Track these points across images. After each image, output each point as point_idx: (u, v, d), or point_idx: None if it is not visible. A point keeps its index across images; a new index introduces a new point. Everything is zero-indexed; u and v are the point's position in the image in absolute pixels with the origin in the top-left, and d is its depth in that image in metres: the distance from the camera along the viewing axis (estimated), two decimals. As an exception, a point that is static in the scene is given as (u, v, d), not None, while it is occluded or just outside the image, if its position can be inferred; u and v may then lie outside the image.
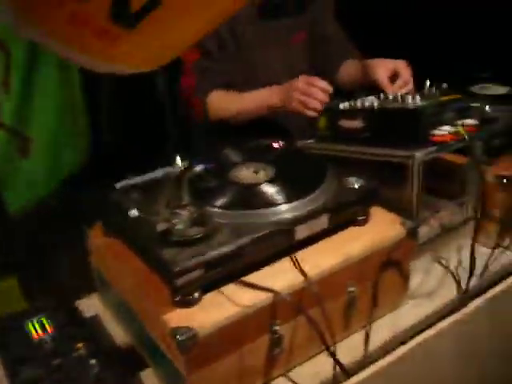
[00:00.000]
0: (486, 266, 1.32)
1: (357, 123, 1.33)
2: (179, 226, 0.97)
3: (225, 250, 0.96)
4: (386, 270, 1.16)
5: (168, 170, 1.24)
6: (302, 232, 1.06)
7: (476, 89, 1.65)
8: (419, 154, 1.17)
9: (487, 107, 1.43)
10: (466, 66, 1.80)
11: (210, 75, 1.67)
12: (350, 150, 1.33)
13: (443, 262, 1.35)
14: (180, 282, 0.92)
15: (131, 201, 1.12)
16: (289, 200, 1.07)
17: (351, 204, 1.13)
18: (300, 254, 1.07)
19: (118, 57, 0.60)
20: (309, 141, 1.46)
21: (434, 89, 1.34)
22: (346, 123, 1.36)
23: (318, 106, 1.42)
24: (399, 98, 1.31)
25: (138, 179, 1.22)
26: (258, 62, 1.72)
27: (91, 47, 0.56)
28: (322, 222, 1.09)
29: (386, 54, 1.60)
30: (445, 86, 1.61)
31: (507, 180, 1.35)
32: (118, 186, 1.20)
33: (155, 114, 2.85)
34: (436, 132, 1.20)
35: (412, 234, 1.18)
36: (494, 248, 1.37)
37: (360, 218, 1.17)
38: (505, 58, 1.96)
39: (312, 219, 1.07)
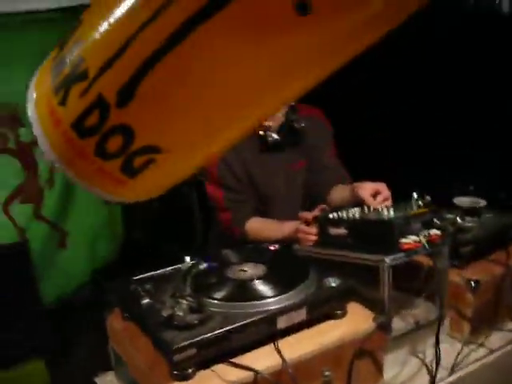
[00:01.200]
0: (455, 361, 1.48)
1: (341, 231, 1.56)
2: (179, 313, 1.19)
3: (214, 334, 1.18)
4: (360, 359, 1.34)
5: (178, 266, 1.49)
6: (283, 322, 1.27)
7: (458, 200, 1.87)
8: (388, 259, 1.38)
9: (459, 218, 1.65)
10: (458, 179, 2.04)
11: (240, 206, 1.97)
12: (335, 253, 1.55)
13: (420, 355, 1.52)
14: (177, 358, 1.14)
15: (144, 291, 1.35)
16: (273, 295, 1.29)
17: (327, 300, 1.34)
18: (282, 341, 1.28)
19: (121, 193, 0.86)
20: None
21: (411, 203, 1.55)
22: (333, 230, 1.59)
23: (311, 242, 1.66)
24: (377, 210, 1.54)
25: (152, 273, 1.47)
26: (266, 187, 2.02)
27: (102, 185, 0.82)
28: (301, 314, 1.30)
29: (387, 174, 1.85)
30: (428, 198, 1.84)
31: (475, 283, 1.54)
32: (135, 278, 1.44)
33: (183, 215, 3.12)
34: (404, 240, 1.42)
35: (383, 328, 1.37)
36: (464, 345, 1.54)
37: (337, 312, 1.37)
38: (490, 175, 2.19)
39: (292, 312, 1.28)
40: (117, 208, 3.28)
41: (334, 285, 1.37)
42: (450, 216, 1.66)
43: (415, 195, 1.78)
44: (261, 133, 1.94)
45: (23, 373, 2.38)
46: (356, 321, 1.37)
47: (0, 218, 2.85)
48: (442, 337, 1.59)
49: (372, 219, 1.50)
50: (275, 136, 1.94)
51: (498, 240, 1.69)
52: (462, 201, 1.87)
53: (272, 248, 1.58)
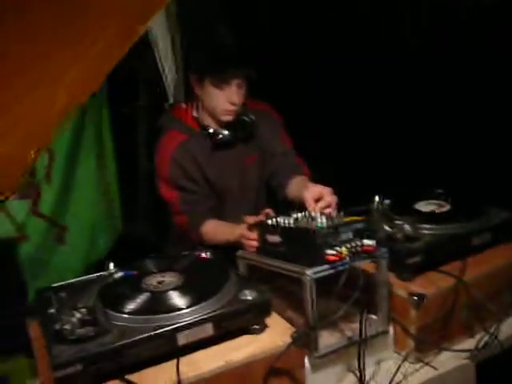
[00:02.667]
0: (392, 380, 1.39)
1: (276, 238, 1.48)
2: (67, 326, 1.15)
3: (103, 349, 1.13)
4: (275, 378, 1.26)
5: (101, 273, 1.45)
6: (184, 338, 1.21)
7: (419, 205, 1.75)
8: (310, 272, 1.29)
9: (408, 226, 1.53)
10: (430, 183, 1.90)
11: (196, 208, 1.91)
12: (268, 262, 1.47)
13: (356, 372, 1.43)
14: (59, 374, 1.10)
15: (57, 299, 1.32)
16: (176, 309, 1.23)
17: (239, 315, 1.26)
18: (186, 357, 1.22)
19: None
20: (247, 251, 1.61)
21: (341, 213, 1.45)
22: (270, 238, 1.50)
23: (253, 249, 1.59)
24: (312, 218, 1.45)
25: (73, 280, 1.44)
26: (220, 184, 1.97)
27: None
28: (207, 330, 1.23)
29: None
30: (387, 202, 1.73)
31: (418, 297, 1.42)
32: (55, 285, 1.42)
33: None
34: (329, 251, 1.32)
35: (300, 343, 1.28)
36: (410, 362, 1.44)
37: (254, 327, 1.30)
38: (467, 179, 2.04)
39: (194, 327, 1.21)
40: (116, 201, 3.28)
41: (249, 298, 1.29)
42: (398, 223, 1.55)
43: (377, 198, 1.70)
44: (210, 131, 1.89)
45: (5, 368, 2.41)
46: (271, 337, 1.30)
47: (-2, 215, 2.90)
48: (387, 353, 1.51)
49: (300, 228, 1.41)
50: (225, 132, 1.90)
51: (456, 250, 1.56)
52: (425, 206, 1.75)
53: (203, 256, 1.52)
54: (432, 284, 1.48)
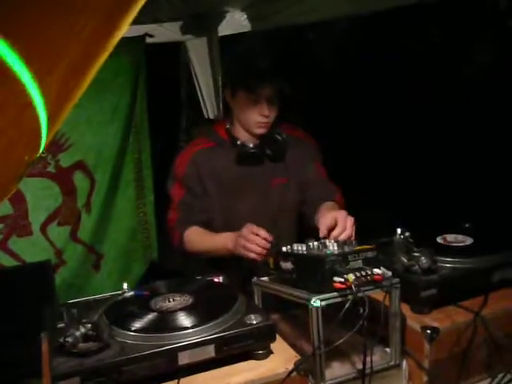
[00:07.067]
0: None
1: (289, 265, 1.47)
2: (69, 340, 1.17)
3: (101, 363, 1.15)
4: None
5: (117, 292, 1.48)
6: (185, 358, 1.21)
7: (443, 238, 1.71)
8: (315, 298, 1.28)
9: (424, 258, 1.49)
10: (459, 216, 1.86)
11: (191, 212, 1.90)
12: (278, 288, 1.47)
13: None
14: (58, 385, 1.12)
15: (68, 315, 1.36)
16: (175, 328, 1.24)
17: (239, 338, 1.25)
18: (187, 379, 1.22)
19: None
20: (263, 278, 1.60)
21: (353, 242, 1.44)
22: (284, 264, 1.50)
23: (257, 249, 1.59)
24: (325, 245, 1.43)
25: (87, 298, 1.48)
26: (236, 204, 1.94)
27: None
28: (208, 351, 1.23)
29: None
30: (407, 234, 1.69)
31: (432, 331, 1.38)
32: (70, 301, 1.46)
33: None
34: (337, 279, 1.30)
35: (303, 373, 1.26)
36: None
37: (258, 352, 1.29)
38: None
39: (195, 348, 1.21)
40: (152, 231, 3.34)
41: (253, 322, 1.29)
42: (416, 255, 1.51)
43: (399, 230, 1.67)
44: (238, 142, 1.90)
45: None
46: (275, 363, 1.28)
47: (38, 239, 3.01)
48: (401, 387, 1.46)
49: (310, 255, 1.41)
50: (252, 145, 1.90)
51: (475, 285, 1.51)
52: (451, 238, 1.70)
53: (215, 280, 1.53)
54: (448, 318, 1.44)
